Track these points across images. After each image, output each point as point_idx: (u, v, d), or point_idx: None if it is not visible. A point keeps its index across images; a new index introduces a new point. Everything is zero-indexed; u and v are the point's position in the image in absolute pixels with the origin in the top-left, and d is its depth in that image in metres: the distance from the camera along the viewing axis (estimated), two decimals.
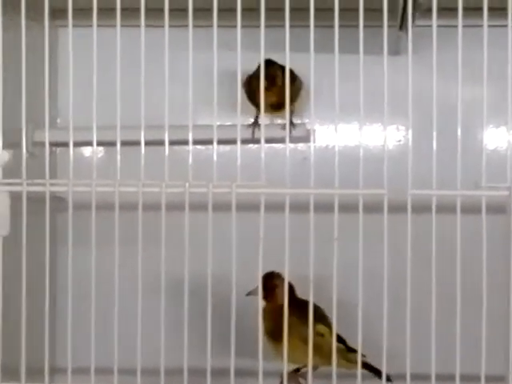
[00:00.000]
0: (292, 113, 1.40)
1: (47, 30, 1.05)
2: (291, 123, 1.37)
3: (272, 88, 1.29)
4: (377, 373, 1.24)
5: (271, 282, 1.29)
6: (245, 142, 1.11)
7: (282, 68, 1.26)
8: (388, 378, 1.20)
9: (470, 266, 1.01)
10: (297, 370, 1.32)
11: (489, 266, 1.02)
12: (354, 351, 1.27)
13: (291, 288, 1.27)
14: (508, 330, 1.02)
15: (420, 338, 1.04)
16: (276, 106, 1.33)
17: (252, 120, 1.42)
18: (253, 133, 1.39)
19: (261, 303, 1.08)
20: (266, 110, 1.33)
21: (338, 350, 1.18)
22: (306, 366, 1.09)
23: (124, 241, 1.03)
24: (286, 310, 1.04)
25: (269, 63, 1.27)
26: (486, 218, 1.02)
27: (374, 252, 1.03)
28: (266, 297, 1.28)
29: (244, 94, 1.35)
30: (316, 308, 1.08)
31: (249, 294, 1.25)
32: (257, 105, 1.37)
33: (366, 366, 1.25)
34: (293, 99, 1.36)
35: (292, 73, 1.30)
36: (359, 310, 1.03)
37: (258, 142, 1.15)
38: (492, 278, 1.01)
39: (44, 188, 1.03)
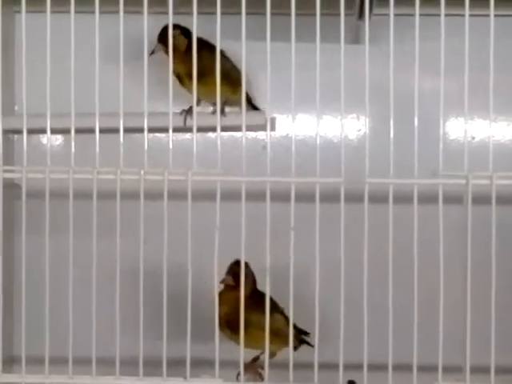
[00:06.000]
0: (226, 99, 1.24)
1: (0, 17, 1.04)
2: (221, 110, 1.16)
3: (174, 52, 1.11)
4: None
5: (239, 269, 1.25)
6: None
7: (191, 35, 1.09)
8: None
9: (428, 255, 1.00)
10: (255, 360, 1.30)
11: (446, 256, 1.01)
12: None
13: (253, 279, 1.24)
14: (465, 320, 1.02)
15: (377, 328, 1.03)
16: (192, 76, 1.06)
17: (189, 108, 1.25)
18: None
19: (217, 290, 1.07)
20: (186, 83, 1.25)
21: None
22: (263, 352, 1.07)
23: (80, 229, 1.02)
24: (242, 297, 1.03)
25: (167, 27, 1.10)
26: (444, 208, 1.01)
27: (332, 242, 1.03)
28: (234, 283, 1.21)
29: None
30: (272, 300, 1.08)
31: (222, 281, 1.21)
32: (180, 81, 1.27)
33: None
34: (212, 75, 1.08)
35: (208, 44, 1.21)
36: (316, 300, 1.02)
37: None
38: (449, 268, 1.01)
39: None
